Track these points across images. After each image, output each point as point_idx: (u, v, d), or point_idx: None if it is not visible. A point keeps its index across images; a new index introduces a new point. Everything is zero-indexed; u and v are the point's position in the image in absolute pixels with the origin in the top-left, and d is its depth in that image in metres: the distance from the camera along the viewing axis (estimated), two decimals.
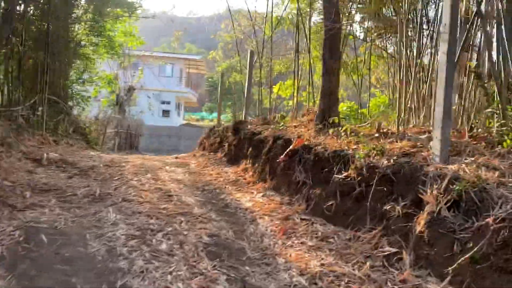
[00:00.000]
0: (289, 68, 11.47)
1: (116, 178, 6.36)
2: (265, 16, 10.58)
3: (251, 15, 10.76)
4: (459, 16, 4.47)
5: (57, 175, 6.22)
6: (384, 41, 11.13)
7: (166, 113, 40.60)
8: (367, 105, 12.95)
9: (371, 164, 4.18)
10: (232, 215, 4.87)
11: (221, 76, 12.01)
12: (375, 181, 4.00)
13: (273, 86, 12.42)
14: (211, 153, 9.45)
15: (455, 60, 3.98)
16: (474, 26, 5.23)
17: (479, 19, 4.87)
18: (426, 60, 8.03)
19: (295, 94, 10.43)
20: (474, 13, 4.72)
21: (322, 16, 12.23)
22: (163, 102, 40.02)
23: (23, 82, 9.74)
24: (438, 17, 6.44)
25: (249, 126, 7.67)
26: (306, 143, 5.41)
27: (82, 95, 13.95)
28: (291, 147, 5.52)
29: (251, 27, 11.59)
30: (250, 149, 7.01)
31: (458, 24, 4.43)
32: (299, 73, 10.52)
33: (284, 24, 10.31)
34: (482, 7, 4.83)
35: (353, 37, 12.13)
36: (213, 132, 10.10)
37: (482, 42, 5.59)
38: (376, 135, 4.92)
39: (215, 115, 65.50)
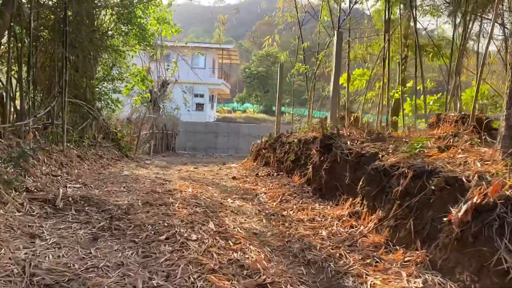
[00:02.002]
0: (371, 54, 8.96)
1: (164, 235, 4.08)
2: None
3: None
4: None
5: (75, 235, 3.99)
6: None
7: (199, 106, 38.67)
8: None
9: None
10: None
11: (280, 68, 9.57)
12: None
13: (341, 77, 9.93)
14: (281, 173, 7.11)
15: None
16: None
17: None
18: None
19: (383, 88, 7.95)
20: None
21: None
22: (196, 95, 38.08)
23: (35, 84, 7.61)
24: None
25: (348, 143, 5.25)
26: (507, 193, 2.96)
27: (112, 97, 11.83)
28: (475, 199, 3.07)
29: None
30: (361, 181, 4.59)
31: None
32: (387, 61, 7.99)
33: None
34: None
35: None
36: (280, 143, 7.74)
37: None
38: None
39: (246, 106, 63.84)
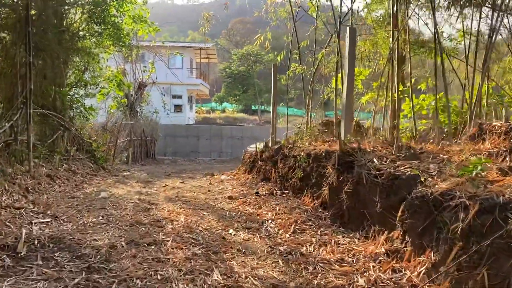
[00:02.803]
0: (375, 51, 8.16)
1: None
2: None
3: None
4: None
5: None
6: None
7: (178, 108, 37.40)
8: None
9: None
10: None
11: (274, 69, 8.63)
12: None
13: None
14: (286, 192, 6.24)
15: None
16: None
17: None
18: None
19: (391, 89, 7.17)
20: None
21: None
22: (174, 97, 36.80)
23: None
24: None
25: (375, 160, 4.38)
26: None
27: (85, 104, 10.75)
28: None
29: None
30: (400, 211, 3.73)
31: None
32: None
33: None
34: None
35: None
36: (282, 156, 6.85)
37: None
38: None
39: (225, 105, 62.87)
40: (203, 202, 6.44)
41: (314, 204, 5.19)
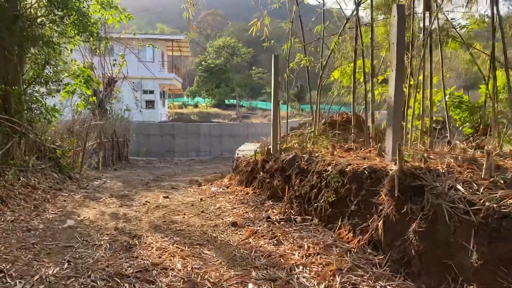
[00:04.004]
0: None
1: None
2: None
3: None
4: None
5: None
6: None
7: (150, 104, 35.54)
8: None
9: None
10: None
11: (275, 60, 7.24)
12: None
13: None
14: (308, 218, 4.93)
15: None
16: None
17: None
18: None
19: (423, 86, 6.02)
20: None
21: None
22: (145, 92, 34.87)
23: None
24: None
25: (460, 188, 3.12)
26: None
27: (47, 104, 9.14)
28: None
29: None
30: None
31: None
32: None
33: None
34: None
35: None
36: (298, 170, 5.53)
37: None
38: None
39: (197, 100, 61.08)
40: (200, 231, 5.05)
41: (359, 242, 3.90)
